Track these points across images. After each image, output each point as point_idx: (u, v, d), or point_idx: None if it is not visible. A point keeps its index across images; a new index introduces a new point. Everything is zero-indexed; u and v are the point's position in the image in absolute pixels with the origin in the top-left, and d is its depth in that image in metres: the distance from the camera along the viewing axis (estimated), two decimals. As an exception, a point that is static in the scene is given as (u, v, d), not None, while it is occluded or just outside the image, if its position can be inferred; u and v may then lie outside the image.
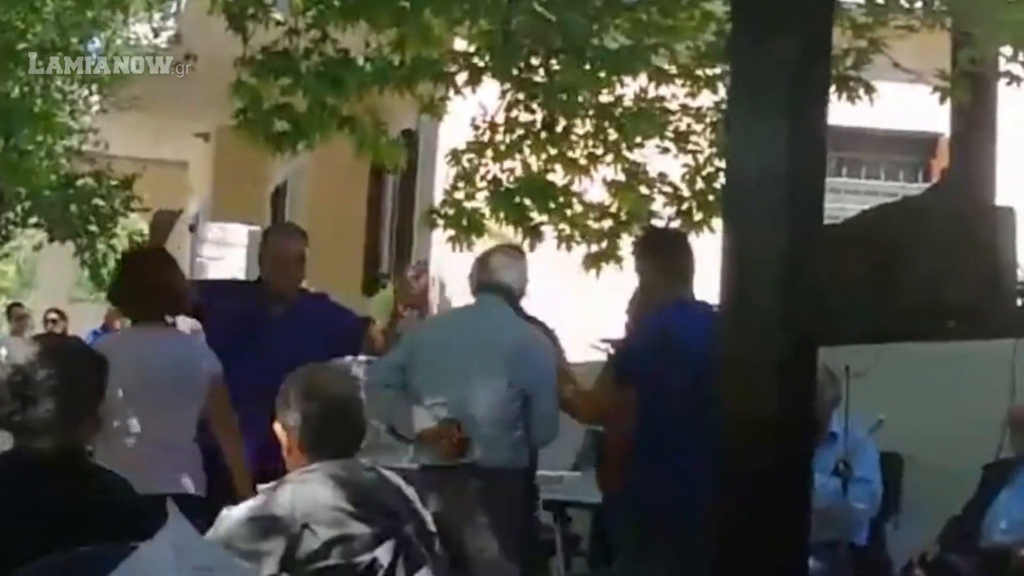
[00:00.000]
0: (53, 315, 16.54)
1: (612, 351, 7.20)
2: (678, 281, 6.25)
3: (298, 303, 6.88)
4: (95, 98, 18.28)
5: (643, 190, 9.48)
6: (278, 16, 8.38)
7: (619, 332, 7.33)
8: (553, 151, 9.45)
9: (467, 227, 9.29)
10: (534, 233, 9.29)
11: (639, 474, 5.90)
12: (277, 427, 4.22)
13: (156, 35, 18.07)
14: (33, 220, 19.58)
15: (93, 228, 19.27)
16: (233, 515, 4.01)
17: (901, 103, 10.75)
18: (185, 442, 5.70)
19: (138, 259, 6.71)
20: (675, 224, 9.36)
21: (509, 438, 6.35)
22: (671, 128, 9.41)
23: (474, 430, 6.29)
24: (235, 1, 8.37)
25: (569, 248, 9.26)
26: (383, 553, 3.96)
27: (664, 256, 6.40)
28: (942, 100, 9.06)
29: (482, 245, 9.41)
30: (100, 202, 19.40)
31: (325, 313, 7.00)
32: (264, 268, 7.01)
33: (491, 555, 6.24)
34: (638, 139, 9.42)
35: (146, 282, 5.83)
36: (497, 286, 6.64)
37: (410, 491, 4.23)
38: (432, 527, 4.20)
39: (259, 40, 8.47)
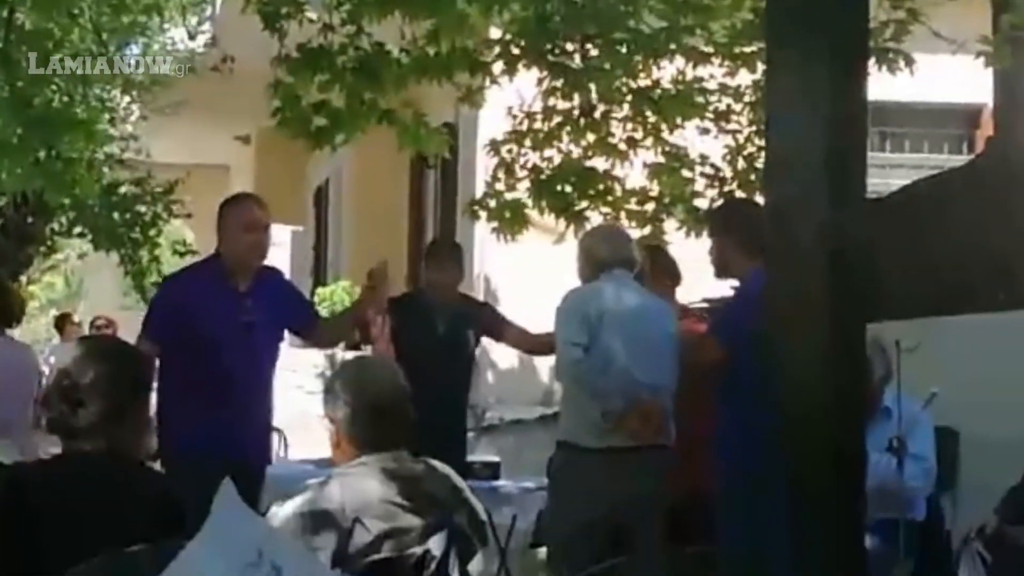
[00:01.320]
0: (102, 321, 16.61)
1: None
2: (756, 251, 6.22)
3: (261, 276, 6.60)
4: (135, 105, 18.35)
5: (684, 172, 9.42)
6: (312, 14, 8.37)
7: (721, 291, 7.31)
8: (592, 137, 9.41)
9: (510, 219, 9.27)
10: (578, 219, 9.26)
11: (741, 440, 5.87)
12: (325, 420, 4.21)
13: (193, 38, 18.13)
14: (77, 230, 19.68)
15: (136, 236, 19.34)
16: (282, 511, 4.00)
17: (943, 75, 10.66)
18: None
19: None
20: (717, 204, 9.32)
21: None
22: (710, 108, 9.36)
23: (667, 407, 6.31)
24: (269, 0, 8.38)
25: (612, 233, 9.21)
26: (435, 544, 3.94)
27: (740, 229, 6.39)
28: (987, 65, 8.96)
29: (526, 236, 9.40)
30: (143, 209, 19.48)
31: (285, 287, 6.88)
32: (227, 240, 6.53)
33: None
34: (677, 121, 9.37)
35: None
36: (627, 260, 6.59)
37: (459, 480, 4.21)
38: (483, 516, 4.17)
39: (295, 38, 8.48)
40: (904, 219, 9.21)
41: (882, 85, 8.32)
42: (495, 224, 9.35)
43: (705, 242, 7.05)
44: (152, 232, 19.60)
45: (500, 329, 7.72)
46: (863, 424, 3.55)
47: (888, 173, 13.59)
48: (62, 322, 18.02)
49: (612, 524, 6.23)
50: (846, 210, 3.49)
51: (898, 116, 14.17)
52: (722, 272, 6.56)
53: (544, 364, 11.37)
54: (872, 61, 8.30)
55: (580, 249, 6.78)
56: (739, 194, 9.25)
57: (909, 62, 8.64)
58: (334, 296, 15.55)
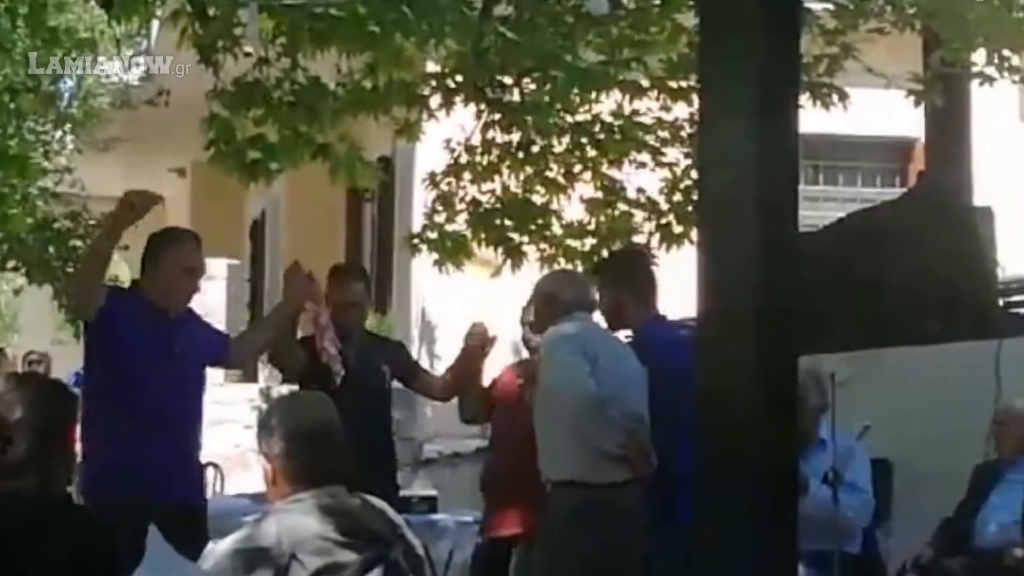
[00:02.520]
0: (34, 356, 16.47)
1: None
2: (651, 301, 6.46)
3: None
4: (69, 138, 18.24)
5: (622, 206, 9.47)
6: (248, 48, 8.35)
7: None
8: (531, 170, 9.44)
9: (451, 249, 9.26)
10: (516, 254, 9.28)
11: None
12: (260, 457, 4.19)
13: (128, 71, 18.04)
14: (11, 264, 19.51)
15: (70, 270, 19.19)
16: (219, 549, 3.98)
17: (875, 109, 10.78)
18: None
19: None
20: (655, 238, 9.37)
21: None
22: (647, 142, 9.41)
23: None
24: (204, 34, 8.35)
25: (551, 268, 9.21)
26: (372, 580, 3.93)
27: (636, 280, 6.58)
28: (916, 103, 9.07)
29: (463, 269, 9.40)
30: (78, 243, 19.33)
31: (199, 319, 6.54)
32: (161, 279, 6.26)
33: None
34: (614, 155, 9.42)
35: None
36: (591, 304, 6.62)
37: (395, 516, 4.20)
38: (420, 551, 4.16)
39: (230, 72, 8.46)
40: (837, 252, 9.27)
41: (816, 118, 8.41)
42: (436, 256, 9.35)
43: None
44: (87, 266, 19.43)
45: (412, 373, 7.43)
46: (795, 464, 3.57)
47: (821, 206, 13.71)
48: (-7, 357, 17.86)
49: (614, 560, 6.24)
50: (778, 241, 3.52)
51: (831, 149, 14.30)
52: (618, 322, 6.68)
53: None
54: (806, 95, 8.38)
55: (540, 293, 6.74)
56: (676, 228, 9.31)
57: (842, 97, 8.74)
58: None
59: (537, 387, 6.37)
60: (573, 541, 6.24)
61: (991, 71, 8.99)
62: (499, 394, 7.25)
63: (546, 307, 6.60)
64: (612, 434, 6.15)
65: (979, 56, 9.13)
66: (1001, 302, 9.61)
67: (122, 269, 24.96)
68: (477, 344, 7.00)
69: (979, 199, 10.43)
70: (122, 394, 5.98)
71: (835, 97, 8.72)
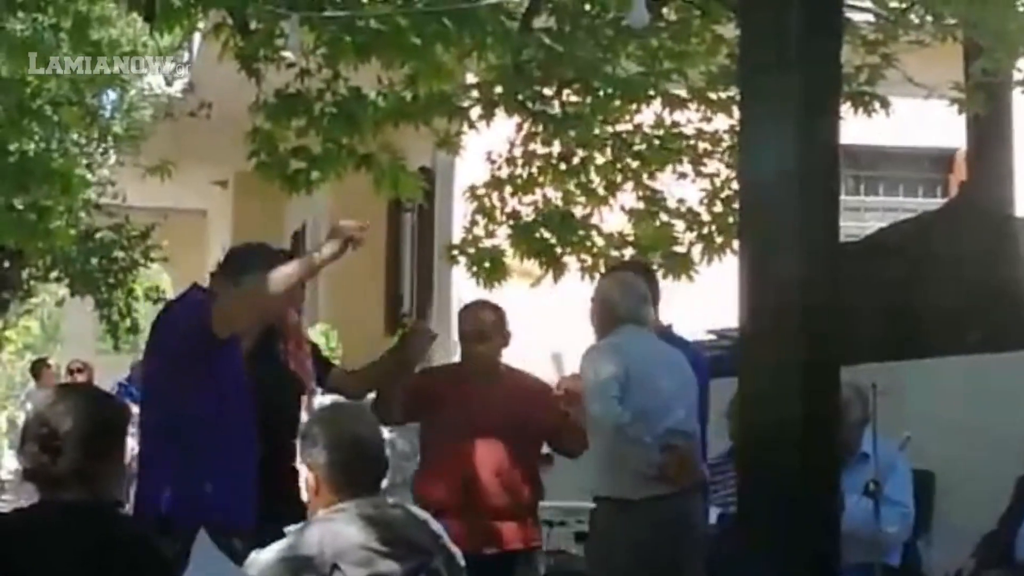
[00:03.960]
0: (77, 365, 16.57)
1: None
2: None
3: None
4: (112, 152, 18.35)
5: (663, 217, 9.47)
6: (290, 58, 8.40)
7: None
8: (572, 182, 9.45)
9: (490, 268, 9.27)
10: (557, 266, 9.28)
11: None
12: (302, 467, 4.21)
13: (170, 84, 18.15)
14: (54, 275, 19.63)
15: (112, 281, 19.30)
16: (262, 558, 4.00)
17: (917, 119, 10.74)
18: None
19: None
20: (696, 248, 9.36)
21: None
22: (688, 153, 9.42)
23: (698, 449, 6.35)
24: (246, 45, 8.41)
25: (592, 279, 9.20)
26: (413, 589, 3.95)
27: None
28: (958, 112, 9.04)
29: (506, 285, 9.37)
30: (120, 254, 19.44)
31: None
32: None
33: None
34: (656, 166, 9.42)
35: None
36: (645, 316, 6.58)
37: (436, 526, 4.21)
38: (461, 561, 4.18)
39: (272, 83, 8.51)
40: (878, 262, 9.25)
41: (857, 129, 8.40)
42: (475, 270, 9.37)
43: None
44: (128, 277, 19.56)
45: (326, 370, 6.65)
46: (837, 476, 3.57)
47: (862, 216, 13.67)
48: (38, 367, 17.97)
49: (658, 572, 6.26)
50: (819, 251, 3.53)
51: (872, 160, 14.26)
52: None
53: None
54: (847, 105, 8.37)
55: (600, 297, 6.74)
56: (717, 239, 9.30)
57: (884, 105, 8.72)
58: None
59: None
60: (607, 554, 6.26)
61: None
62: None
63: (602, 313, 6.62)
64: (644, 455, 6.15)
65: (1021, 65, 9.10)
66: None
67: (164, 280, 25.13)
68: (425, 339, 6.38)
69: (1021, 209, 10.39)
70: (237, 420, 5.38)
71: (877, 105, 8.70)
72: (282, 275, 5.30)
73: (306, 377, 6.04)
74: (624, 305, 6.56)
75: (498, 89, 8.93)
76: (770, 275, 3.53)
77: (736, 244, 8.72)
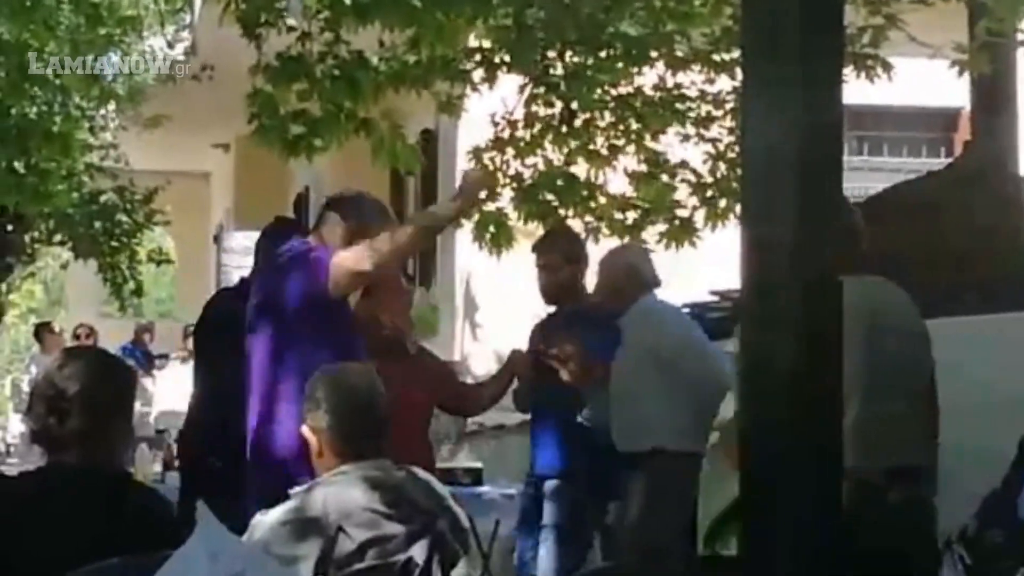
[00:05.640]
0: (83, 330, 16.61)
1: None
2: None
3: None
4: (114, 115, 18.33)
5: (665, 179, 9.45)
6: (291, 21, 8.37)
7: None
8: (574, 144, 9.43)
9: (495, 235, 9.25)
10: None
11: None
12: (305, 429, 4.22)
13: (171, 47, 18.11)
14: (58, 238, 19.65)
15: (115, 244, 19.30)
16: (267, 520, 4.01)
17: (920, 79, 10.72)
18: None
19: None
20: (699, 212, 9.35)
21: None
22: (691, 115, 9.39)
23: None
24: (247, 8, 8.38)
25: (596, 241, 9.19)
26: (418, 551, 3.96)
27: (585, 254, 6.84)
28: (960, 73, 9.01)
29: (511, 250, 9.35)
30: (124, 218, 19.44)
31: None
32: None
33: None
34: (658, 128, 9.40)
35: None
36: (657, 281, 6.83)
37: (441, 488, 4.22)
38: (466, 523, 4.19)
39: (273, 46, 8.48)
40: (881, 223, 9.23)
41: (860, 89, 8.37)
42: (479, 234, 9.35)
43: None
44: (131, 241, 19.57)
45: None
46: (839, 437, 3.57)
47: (866, 177, 13.64)
48: (41, 331, 18.01)
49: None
50: (821, 213, 3.52)
51: (876, 120, 14.23)
52: (564, 297, 6.76)
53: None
54: (850, 67, 8.34)
55: (623, 264, 6.83)
56: (721, 202, 9.29)
57: (887, 68, 8.69)
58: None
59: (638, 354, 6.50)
60: (664, 504, 6.40)
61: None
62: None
63: (628, 280, 6.67)
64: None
65: (1024, 25, 9.07)
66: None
67: (166, 244, 25.12)
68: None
69: (1024, 169, 10.37)
70: None
71: (879, 68, 8.67)
72: (412, 230, 5.35)
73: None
74: (648, 270, 6.67)
75: (502, 52, 8.90)
76: (772, 236, 3.52)
77: (739, 208, 8.75)
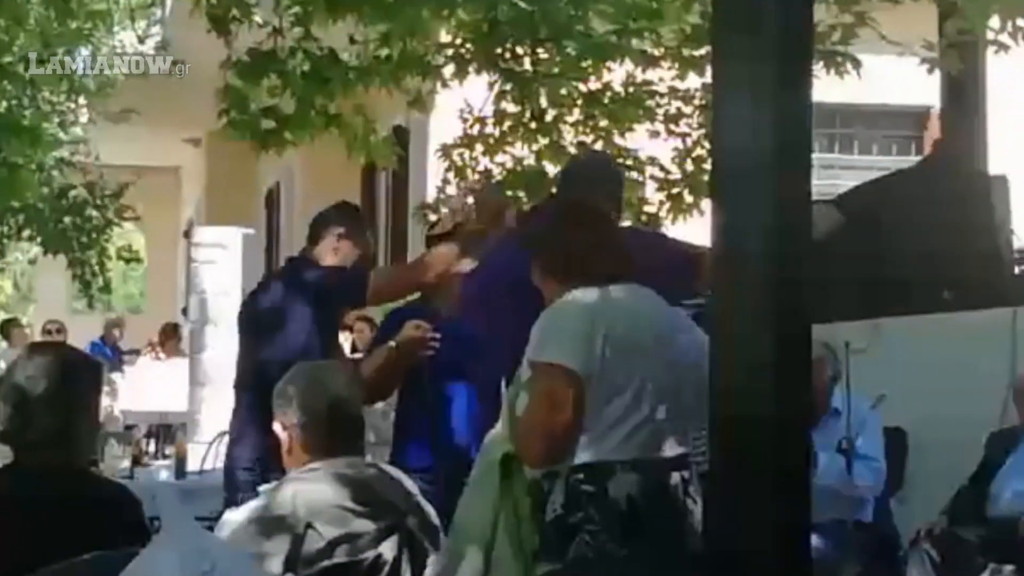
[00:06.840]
0: (53, 325, 16.52)
1: None
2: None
3: None
4: (84, 109, 18.25)
5: (633, 175, 9.46)
6: (260, 17, 8.37)
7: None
8: (543, 141, 9.43)
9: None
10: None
11: None
12: (276, 426, 4.21)
13: (142, 42, 18.04)
14: (27, 233, 19.56)
15: (84, 240, 19.23)
16: (236, 517, 4.00)
17: (891, 77, 10.74)
18: None
19: None
20: (665, 208, 9.37)
21: None
22: (660, 112, 9.40)
23: None
24: (218, 3, 8.36)
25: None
26: (387, 548, 3.95)
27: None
28: (931, 71, 9.04)
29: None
30: (93, 213, 19.38)
31: None
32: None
33: None
34: (627, 124, 9.41)
35: None
36: None
37: (411, 485, 4.22)
38: (435, 520, 4.18)
39: (244, 42, 8.46)
40: (852, 220, 9.26)
41: (831, 87, 8.39)
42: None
43: None
44: (101, 237, 19.51)
45: None
46: (807, 433, 3.57)
47: (837, 174, 13.66)
48: (8, 327, 17.91)
49: None
50: (792, 209, 3.52)
51: (846, 118, 14.26)
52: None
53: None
54: (820, 64, 8.36)
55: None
56: (687, 198, 9.31)
57: (856, 65, 8.71)
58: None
59: None
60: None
61: (1006, 39, 8.94)
62: None
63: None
64: None
65: (994, 23, 9.09)
66: (1017, 270, 9.59)
67: (136, 239, 25.05)
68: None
69: (994, 167, 10.39)
70: None
71: (849, 65, 8.70)
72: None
73: None
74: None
75: (471, 48, 8.90)
76: (741, 234, 3.53)
77: (705, 204, 8.77)
